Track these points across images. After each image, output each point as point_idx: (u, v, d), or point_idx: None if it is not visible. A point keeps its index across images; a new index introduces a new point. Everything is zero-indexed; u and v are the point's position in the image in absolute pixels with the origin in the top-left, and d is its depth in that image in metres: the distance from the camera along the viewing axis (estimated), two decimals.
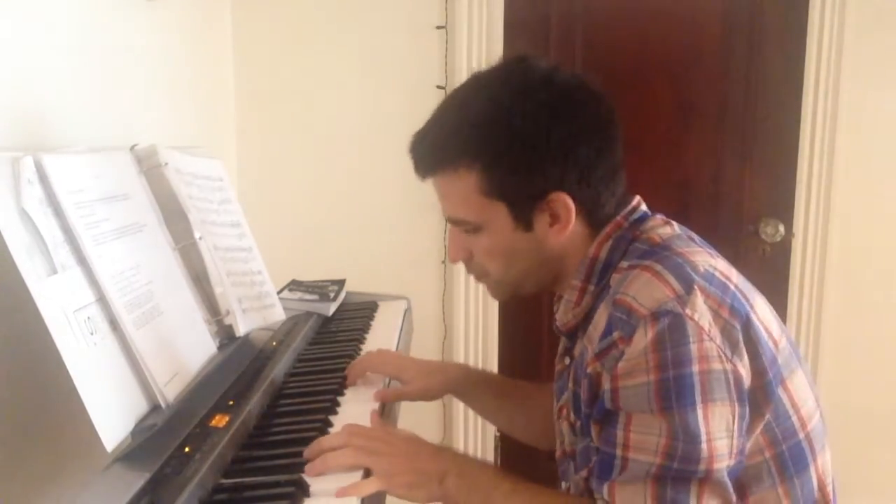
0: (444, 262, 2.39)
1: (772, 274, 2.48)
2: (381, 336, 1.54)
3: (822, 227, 2.47)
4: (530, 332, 2.51)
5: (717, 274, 0.90)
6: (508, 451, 2.50)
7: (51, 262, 0.85)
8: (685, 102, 2.46)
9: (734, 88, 2.46)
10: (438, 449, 0.99)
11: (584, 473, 0.95)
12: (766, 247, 2.50)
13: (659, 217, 1.01)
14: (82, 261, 0.90)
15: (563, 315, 1.01)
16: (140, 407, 0.91)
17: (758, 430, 0.87)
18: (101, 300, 0.91)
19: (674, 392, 0.82)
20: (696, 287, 0.85)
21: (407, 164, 0.99)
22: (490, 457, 2.50)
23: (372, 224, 2.36)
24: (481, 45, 2.30)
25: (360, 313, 1.67)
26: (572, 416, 0.99)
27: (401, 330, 1.59)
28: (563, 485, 1.06)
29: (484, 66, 1.00)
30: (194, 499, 0.81)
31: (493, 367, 2.48)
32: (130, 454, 0.85)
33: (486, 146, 0.93)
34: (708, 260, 0.92)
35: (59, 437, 0.89)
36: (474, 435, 2.48)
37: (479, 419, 2.43)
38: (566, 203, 0.94)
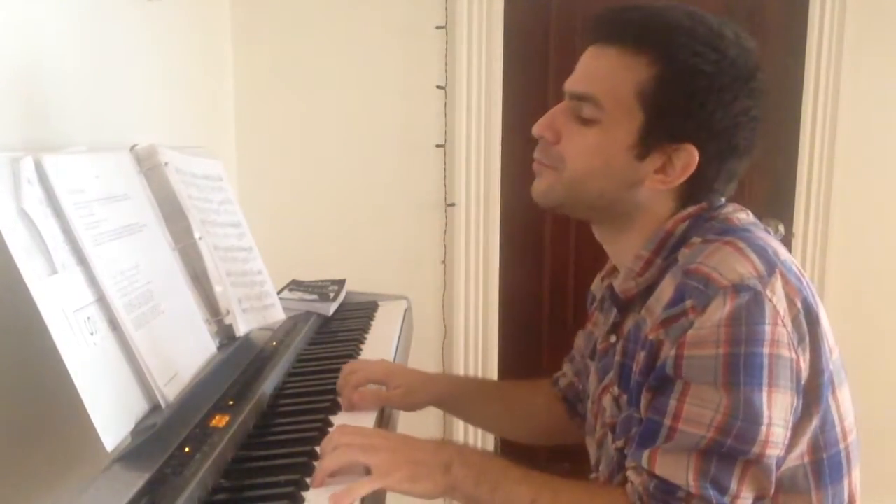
0: (443, 262, 2.39)
1: None
2: (381, 336, 1.53)
3: (822, 227, 2.47)
4: (530, 332, 2.51)
5: (794, 266, 0.90)
6: (509, 450, 2.50)
7: (51, 263, 0.85)
8: None
9: None
10: (438, 441, 0.97)
11: (619, 444, 0.93)
12: None
13: (735, 203, 0.99)
14: (82, 261, 0.90)
15: (624, 282, 0.97)
16: (140, 407, 0.91)
17: (807, 434, 0.86)
18: (101, 300, 0.91)
19: (743, 369, 0.81)
20: (777, 271, 0.85)
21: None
22: None
23: (372, 224, 2.36)
24: (481, 45, 2.29)
25: (360, 313, 1.67)
26: (617, 390, 0.97)
27: (401, 330, 1.59)
28: (594, 474, 1.03)
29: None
30: (194, 499, 0.80)
31: (494, 366, 2.49)
32: (130, 454, 0.85)
33: (685, 59, 0.89)
34: (785, 252, 0.92)
35: (59, 437, 0.89)
36: (474, 435, 2.47)
37: None
38: (690, 162, 0.91)
